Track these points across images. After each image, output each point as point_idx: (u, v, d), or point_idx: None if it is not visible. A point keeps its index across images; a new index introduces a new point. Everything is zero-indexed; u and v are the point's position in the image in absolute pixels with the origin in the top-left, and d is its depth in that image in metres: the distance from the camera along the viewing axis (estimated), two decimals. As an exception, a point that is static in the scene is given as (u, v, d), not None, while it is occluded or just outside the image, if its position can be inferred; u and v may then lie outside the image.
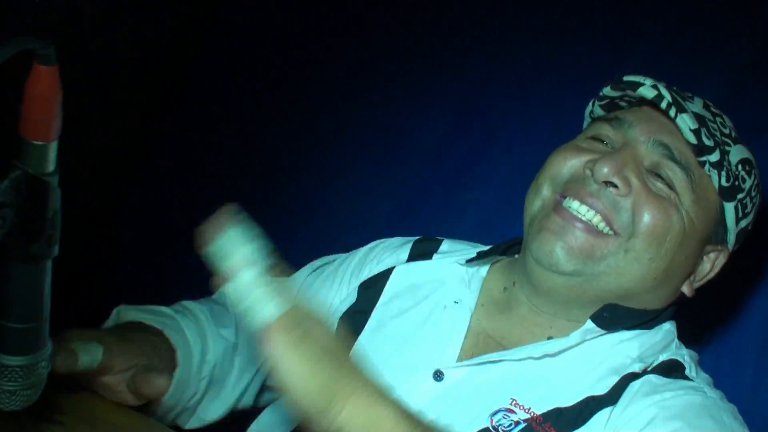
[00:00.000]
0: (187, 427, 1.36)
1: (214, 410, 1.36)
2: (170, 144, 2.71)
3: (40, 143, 0.74)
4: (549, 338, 1.22)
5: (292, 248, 1.73)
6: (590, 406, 1.11)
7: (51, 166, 0.76)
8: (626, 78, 1.24)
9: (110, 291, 2.58)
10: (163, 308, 1.32)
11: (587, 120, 1.38)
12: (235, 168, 2.54)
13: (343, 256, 1.46)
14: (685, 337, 1.30)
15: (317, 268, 1.47)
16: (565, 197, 1.20)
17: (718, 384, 1.24)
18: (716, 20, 1.84)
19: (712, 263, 1.27)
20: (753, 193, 1.25)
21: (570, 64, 1.87)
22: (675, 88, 1.23)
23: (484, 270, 1.33)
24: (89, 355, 1.07)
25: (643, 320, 1.22)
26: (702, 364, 1.29)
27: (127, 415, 1.13)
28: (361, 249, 1.45)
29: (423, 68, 2.25)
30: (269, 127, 2.51)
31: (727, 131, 1.24)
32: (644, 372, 1.16)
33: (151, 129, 2.74)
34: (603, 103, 1.32)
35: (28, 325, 0.83)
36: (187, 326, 1.29)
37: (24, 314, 0.82)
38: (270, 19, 2.60)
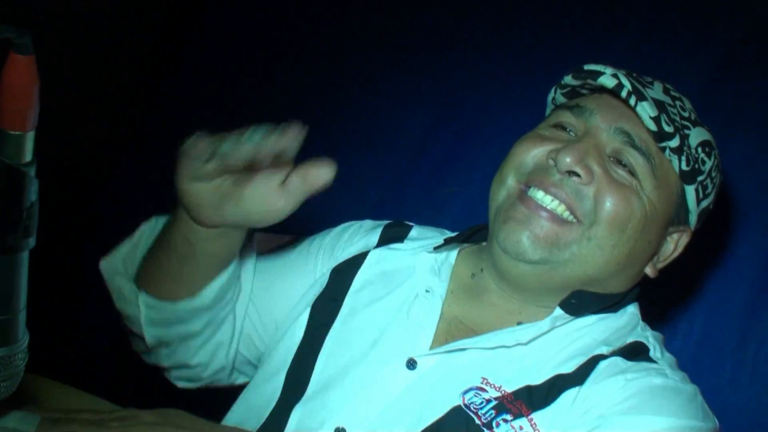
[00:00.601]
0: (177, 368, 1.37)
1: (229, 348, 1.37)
2: (152, 136, 2.70)
3: (16, 133, 0.73)
4: (519, 323, 1.25)
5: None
6: (558, 384, 1.14)
7: (28, 156, 0.75)
8: (587, 67, 1.26)
9: (87, 282, 2.57)
10: None
11: (550, 107, 1.40)
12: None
13: (310, 238, 1.46)
14: (660, 324, 1.32)
15: (286, 249, 1.46)
16: (529, 187, 1.22)
17: (697, 375, 1.26)
18: (696, 13, 1.85)
19: (675, 243, 1.30)
20: (713, 174, 1.29)
21: (550, 58, 1.88)
22: (635, 74, 1.26)
23: (452, 257, 1.35)
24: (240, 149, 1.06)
25: (608, 304, 1.25)
26: (682, 354, 1.31)
27: (101, 404, 1.12)
28: (331, 231, 1.45)
29: (405, 62, 2.25)
30: (253, 120, 2.50)
31: (686, 114, 1.27)
32: (611, 354, 1.19)
33: (132, 121, 2.72)
34: (565, 91, 1.33)
35: (5, 317, 0.82)
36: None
37: (1, 305, 0.81)
38: (254, 13, 2.59)
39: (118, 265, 1.35)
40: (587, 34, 1.96)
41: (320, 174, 1.11)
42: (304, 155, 2.47)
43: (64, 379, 1.16)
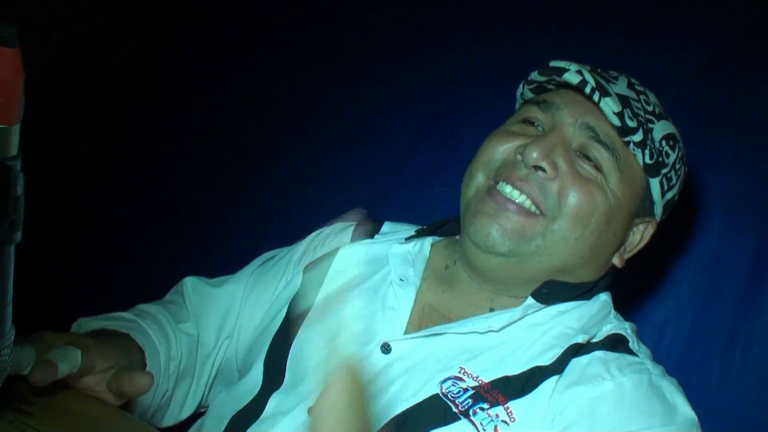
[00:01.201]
0: (163, 424, 1.37)
1: (187, 406, 1.39)
2: (140, 135, 2.69)
3: (1, 126, 0.73)
4: (491, 310, 1.28)
5: (264, 242, 1.74)
6: (536, 375, 1.16)
7: (13, 149, 0.75)
8: (552, 64, 1.29)
9: (74, 281, 2.56)
10: (122, 313, 1.35)
11: (519, 101, 1.43)
12: (208, 162, 2.53)
13: (286, 249, 1.50)
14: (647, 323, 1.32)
15: (263, 263, 1.50)
16: (498, 182, 1.24)
17: (685, 375, 1.28)
18: (684, 14, 1.86)
19: (641, 234, 1.33)
20: (677, 166, 1.32)
21: (539, 59, 1.89)
22: (599, 70, 1.30)
23: (426, 249, 1.38)
24: (68, 361, 1.06)
25: (580, 292, 1.29)
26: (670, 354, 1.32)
27: (96, 404, 1.12)
28: (304, 239, 1.49)
29: (396, 63, 2.26)
30: (241, 122, 2.50)
31: (650, 108, 1.30)
32: (588, 343, 1.22)
33: (119, 118, 2.72)
34: (532, 86, 1.36)
35: (-9, 312, 0.82)
36: (149, 326, 1.33)
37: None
38: (244, 14, 2.60)
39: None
40: (577, 35, 1.97)
41: (138, 386, 1.11)
42: (297, 158, 2.47)
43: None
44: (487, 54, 2.10)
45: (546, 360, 1.18)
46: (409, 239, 1.38)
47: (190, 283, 1.49)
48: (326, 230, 1.49)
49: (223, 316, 1.44)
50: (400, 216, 1.56)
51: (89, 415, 1.08)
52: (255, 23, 2.55)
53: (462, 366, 1.18)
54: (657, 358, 1.28)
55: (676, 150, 1.31)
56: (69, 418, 1.06)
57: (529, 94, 1.39)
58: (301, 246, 1.49)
